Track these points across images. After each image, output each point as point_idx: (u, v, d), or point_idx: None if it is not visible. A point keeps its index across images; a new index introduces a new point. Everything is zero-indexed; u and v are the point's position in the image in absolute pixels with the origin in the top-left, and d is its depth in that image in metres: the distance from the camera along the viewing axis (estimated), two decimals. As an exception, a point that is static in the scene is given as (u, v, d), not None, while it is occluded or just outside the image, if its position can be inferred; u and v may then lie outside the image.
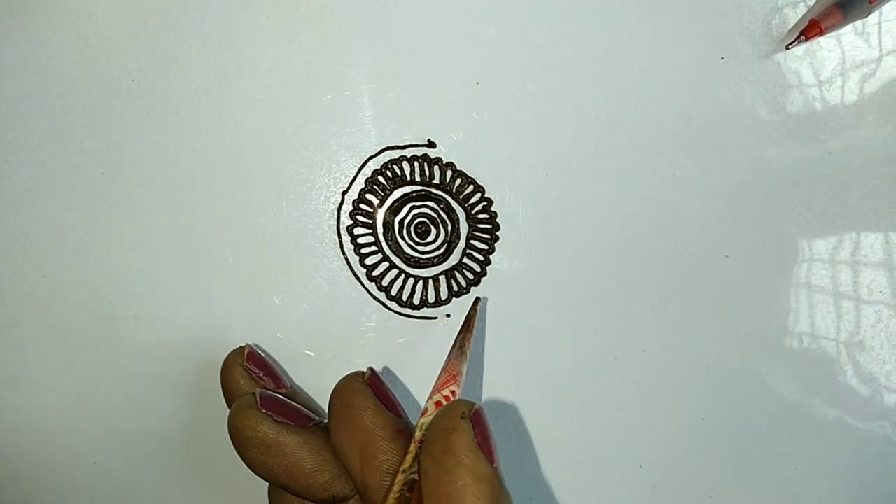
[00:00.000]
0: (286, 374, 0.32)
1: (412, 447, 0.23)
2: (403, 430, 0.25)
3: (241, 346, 0.30)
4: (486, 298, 0.32)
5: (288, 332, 0.32)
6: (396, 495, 0.21)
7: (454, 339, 0.28)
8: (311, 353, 0.32)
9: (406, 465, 0.22)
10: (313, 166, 0.32)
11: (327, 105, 0.31)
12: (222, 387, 0.29)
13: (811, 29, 0.30)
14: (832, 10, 0.30)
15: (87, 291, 0.32)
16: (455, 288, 0.32)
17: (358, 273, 0.32)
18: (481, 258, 0.32)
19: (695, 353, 0.33)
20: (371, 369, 0.27)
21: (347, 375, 0.26)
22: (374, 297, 0.32)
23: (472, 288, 0.32)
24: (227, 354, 0.29)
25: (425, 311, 0.32)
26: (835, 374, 0.33)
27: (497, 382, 0.33)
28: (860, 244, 0.32)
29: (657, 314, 0.32)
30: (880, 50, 0.32)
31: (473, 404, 0.22)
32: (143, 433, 0.33)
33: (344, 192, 0.32)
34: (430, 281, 0.32)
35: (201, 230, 0.32)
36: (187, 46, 0.31)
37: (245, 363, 0.29)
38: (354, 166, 0.32)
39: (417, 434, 0.23)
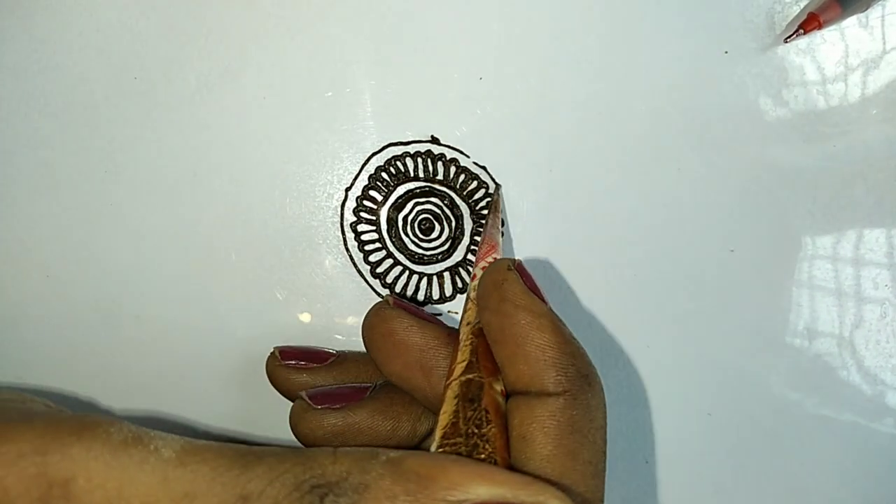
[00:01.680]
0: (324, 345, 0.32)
1: (470, 305, 0.25)
2: (452, 334, 0.26)
3: (271, 352, 0.29)
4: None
5: (291, 330, 0.32)
6: (469, 343, 0.23)
7: (486, 221, 0.30)
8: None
9: (470, 318, 0.24)
10: (316, 163, 0.31)
11: (329, 102, 0.31)
12: (279, 391, 0.29)
13: (809, 22, 0.30)
14: (831, 3, 0.30)
15: (90, 291, 0.32)
16: (459, 284, 0.32)
17: (362, 270, 0.32)
18: (485, 254, 0.32)
19: (700, 348, 0.33)
20: (390, 296, 0.28)
21: (374, 308, 0.27)
22: (379, 294, 0.32)
23: (477, 284, 0.32)
24: (265, 364, 0.29)
25: (429, 308, 0.32)
26: (841, 370, 0.33)
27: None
28: (864, 238, 0.32)
29: (662, 309, 0.32)
30: (884, 44, 0.32)
31: (515, 259, 0.25)
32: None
33: (347, 189, 0.32)
34: (435, 277, 0.32)
35: (204, 228, 0.32)
36: (189, 44, 0.31)
37: (282, 363, 0.29)
38: (357, 163, 0.32)
39: (472, 294, 0.25)
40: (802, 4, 0.31)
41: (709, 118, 0.31)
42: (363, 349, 0.29)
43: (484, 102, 0.31)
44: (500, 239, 0.29)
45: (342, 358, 0.29)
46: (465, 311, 0.25)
